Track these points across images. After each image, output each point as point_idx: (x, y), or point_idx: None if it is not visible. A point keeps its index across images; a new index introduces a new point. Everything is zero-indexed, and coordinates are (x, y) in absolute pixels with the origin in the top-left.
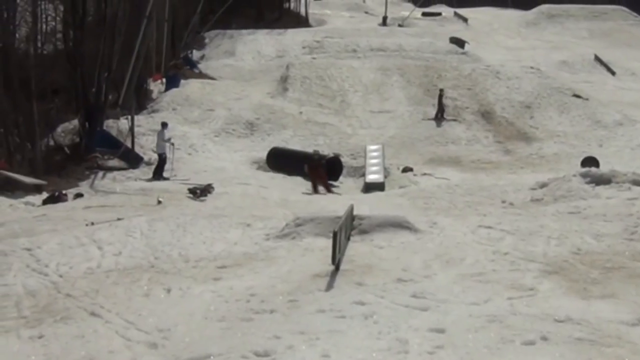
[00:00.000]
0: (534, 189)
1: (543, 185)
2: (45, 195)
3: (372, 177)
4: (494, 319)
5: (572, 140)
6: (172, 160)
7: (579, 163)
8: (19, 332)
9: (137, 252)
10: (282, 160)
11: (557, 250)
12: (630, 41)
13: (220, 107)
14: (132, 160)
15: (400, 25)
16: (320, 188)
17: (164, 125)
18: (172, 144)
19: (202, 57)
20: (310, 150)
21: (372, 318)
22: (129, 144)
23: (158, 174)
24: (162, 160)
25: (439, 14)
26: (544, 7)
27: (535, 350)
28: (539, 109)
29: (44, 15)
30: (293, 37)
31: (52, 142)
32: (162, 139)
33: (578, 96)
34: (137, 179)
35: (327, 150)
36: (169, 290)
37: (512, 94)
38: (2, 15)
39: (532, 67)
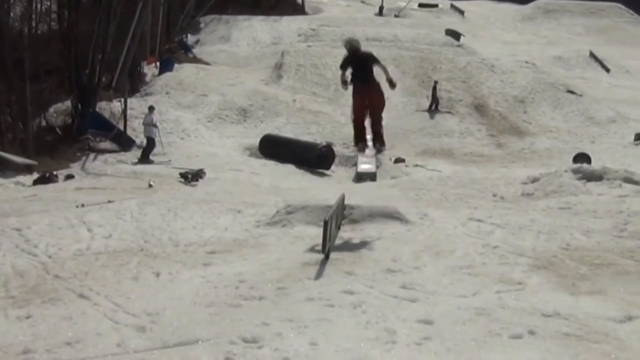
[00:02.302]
0: (525, 183)
1: (534, 180)
2: (36, 175)
3: (364, 167)
4: (482, 312)
5: (564, 136)
6: (159, 143)
7: (570, 159)
8: (7, 311)
9: (127, 235)
10: (274, 148)
11: (546, 245)
12: (625, 39)
13: (214, 92)
14: (124, 142)
15: (396, 16)
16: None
17: (151, 108)
18: (156, 126)
19: (197, 42)
20: (304, 138)
21: (360, 308)
22: (121, 127)
23: (145, 157)
24: (149, 143)
25: (436, 5)
26: (541, 2)
27: (522, 344)
28: (533, 104)
29: None
30: (289, 25)
31: (44, 123)
32: (149, 123)
33: (572, 92)
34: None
35: (319, 139)
36: (158, 274)
37: (506, 88)
38: None
39: (527, 62)
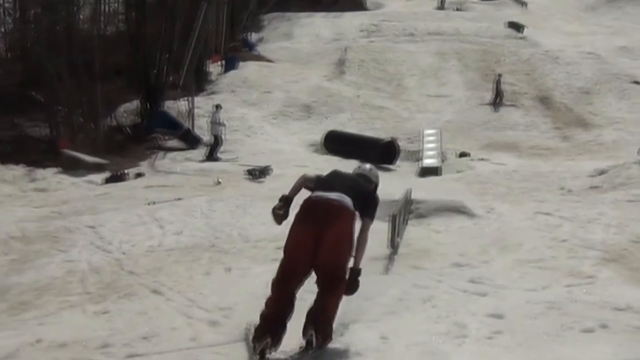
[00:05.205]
0: (592, 176)
1: (602, 173)
2: (106, 174)
3: (428, 162)
4: (552, 306)
5: (631, 127)
6: (223, 141)
7: (637, 150)
8: (84, 307)
9: (198, 231)
10: (338, 144)
11: (616, 239)
12: None
13: (278, 89)
14: (191, 141)
15: (457, 9)
16: None
17: (218, 107)
18: (223, 124)
19: (260, 40)
20: (368, 133)
21: (430, 302)
22: (188, 125)
23: (212, 155)
24: (216, 141)
25: None
26: None
27: (594, 337)
28: (598, 95)
29: None
30: (350, 21)
31: (113, 122)
32: (215, 121)
33: (637, 83)
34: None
35: (383, 134)
36: (229, 270)
37: (571, 80)
38: None
39: (591, 53)
